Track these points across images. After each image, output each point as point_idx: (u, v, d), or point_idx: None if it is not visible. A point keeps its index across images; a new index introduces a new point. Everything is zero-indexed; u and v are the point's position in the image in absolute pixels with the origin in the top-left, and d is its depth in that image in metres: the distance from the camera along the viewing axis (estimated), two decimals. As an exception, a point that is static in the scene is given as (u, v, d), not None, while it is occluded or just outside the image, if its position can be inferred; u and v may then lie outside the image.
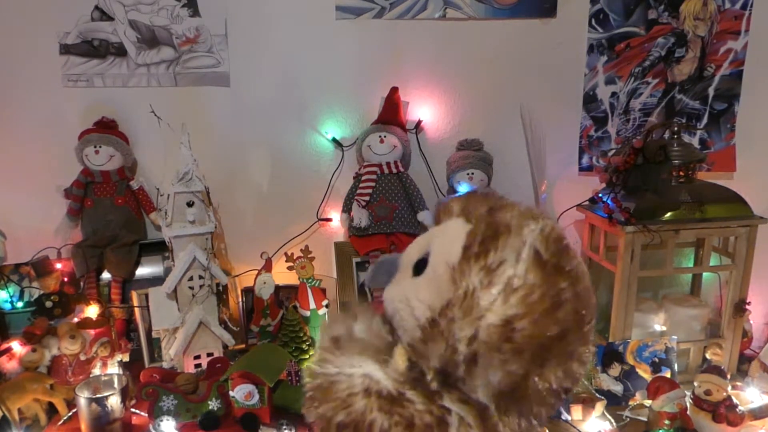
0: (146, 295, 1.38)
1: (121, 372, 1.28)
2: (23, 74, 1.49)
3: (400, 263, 0.70)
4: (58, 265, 1.47)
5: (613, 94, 1.59)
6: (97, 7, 1.48)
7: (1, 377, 1.25)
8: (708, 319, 1.44)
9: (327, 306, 1.46)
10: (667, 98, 1.60)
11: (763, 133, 1.62)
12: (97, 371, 1.28)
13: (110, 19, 1.48)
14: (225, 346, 1.37)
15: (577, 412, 1.20)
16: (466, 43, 1.55)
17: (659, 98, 1.60)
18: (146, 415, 1.19)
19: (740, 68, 1.58)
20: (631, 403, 1.27)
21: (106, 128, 1.50)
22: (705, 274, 1.56)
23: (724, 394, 1.14)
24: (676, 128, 1.40)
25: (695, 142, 1.61)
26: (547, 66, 1.57)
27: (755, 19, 1.54)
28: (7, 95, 1.50)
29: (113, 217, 1.50)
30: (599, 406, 1.21)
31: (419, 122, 1.58)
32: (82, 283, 1.46)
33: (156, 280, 1.46)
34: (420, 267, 0.65)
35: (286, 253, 1.49)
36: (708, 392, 1.14)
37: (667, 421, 1.11)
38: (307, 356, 1.37)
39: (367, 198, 1.49)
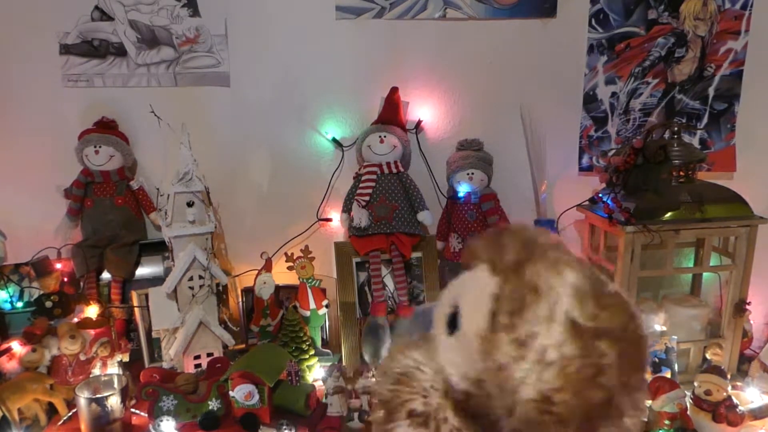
0: (146, 295, 1.38)
1: (121, 372, 1.28)
2: (23, 74, 1.50)
3: (435, 316, 0.66)
4: (58, 265, 1.47)
5: (613, 94, 1.59)
6: (97, 7, 1.48)
7: (1, 377, 1.25)
8: (708, 319, 1.44)
9: (327, 306, 1.46)
10: (667, 98, 1.60)
11: (763, 133, 1.62)
12: (97, 371, 1.28)
13: (110, 19, 1.49)
14: (225, 346, 1.37)
15: (577, 412, 1.19)
16: (466, 43, 1.55)
17: (659, 98, 1.60)
18: (146, 415, 1.19)
19: (740, 68, 1.57)
20: (631, 403, 1.27)
21: (106, 128, 1.50)
22: (705, 274, 1.56)
23: (724, 394, 1.14)
24: (676, 128, 1.40)
25: (695, 142, 1.61)
26: (547, 66, 1.57)
27: (755, 19, 1.54)
28: (7, 95, 1.50)
29: (113, 217, 1.50)
30: (599, 406, 1.20)
31: (419, 122, 1.58)
32: (82, 283, 1.46)
33: (156, 280, 1.46)
34: (452, 323, 0.61)
35: (286, 253, 1.49)
36: (708, 392, 1.14)
37: (667, 421, 1.11)
38: (307, 356, 1.37)
39: (367, 198, 1.49)
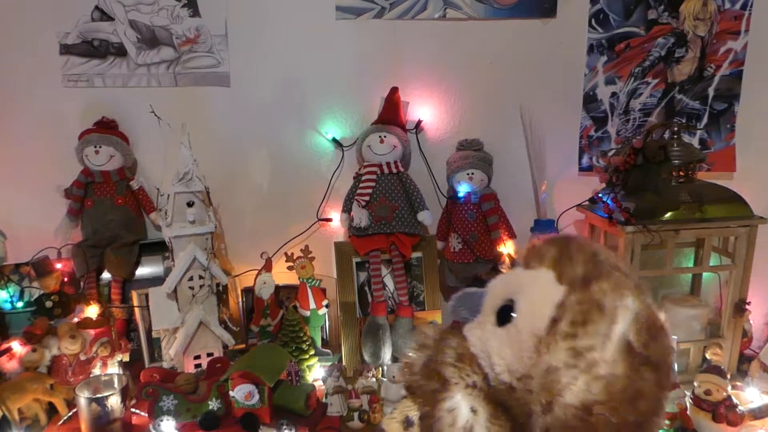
0: (146, 295, 1.38)
1: (121, 372, 1.28)
2: (23, 74, 1.50)
3: (484, 303, 0.69)
4: (58, 265, 1.47)
5: (613, 94, 1.59)
6: (97, 7, 1.48)
7: (1, 377, 1.25)
8: (708, 319, 1.44)
9: (327, 306, 1.46)
10: (667, 98, 1.60)
11: (763, 133, 1.62)
12: (97, 371, 1.28)
13: (110, 19, 1.49)
14: (225, 346, 1.37)
15: (577, 412, 1.20)
16: (466, 43, 1.55)
17: (659, 98, 1.60)
18: (146, 415, 1.19)
19: (740, 68, 1.57)
20: (631, 403, 1.27)
21: (106, 128, 1.50)
22: (705, 274, 1.56)
23: (724, 394, 1.14)
24: (676, 128, 1.40)
25: (695, 142, 1.61)
26: (547, 66, 1.57)
27: (755, 19, 1.54)
28: (7, 95, 1.50)
29: (113, 217, 1.50)
30: (599, 406, 1.20)
31: (419, 122, 1.58)
32: (82, 283, 1.46)
33: (156, 280, 1.46)
34: (504, 315, 0.64)
35: (286, 253, 1.49)
36: (708, 392, 1.14)
37: (667, 421, 1.11)
38: (307, 356, 1.37)
39: (367, 198, 1.49)
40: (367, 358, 1.42)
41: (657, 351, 0.59)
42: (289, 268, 1.48)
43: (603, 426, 0.55)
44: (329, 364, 1.36)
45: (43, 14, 1.47)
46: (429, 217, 1.50)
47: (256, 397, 1.18)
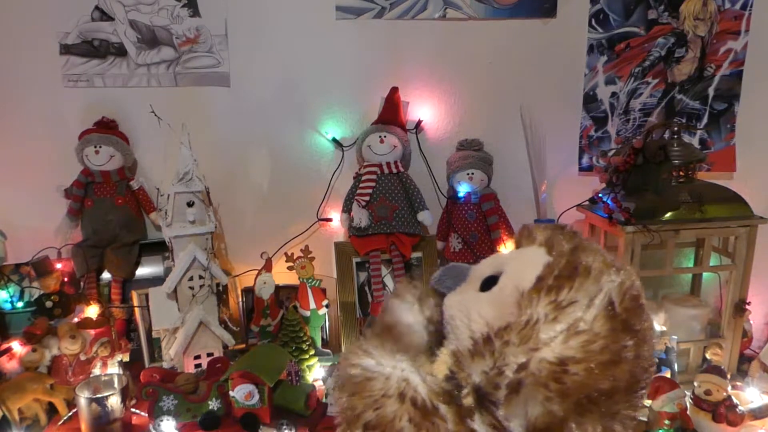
0: (146, 295, 1.38)
1: (121, 372, 1.28)
2: (23, 74, 1.49)
3: (470, 274, 0.71)
4: (58, 265, 1.47)
5: (613, 94, 1.59)
6: (97, 7, 1.48)
7: (1, 377, 1.25)
8: (708, 319, 1.44)
9: (327, 306, 1.46)
10: (667, 98, 1.60)
11: (763, 133, 1.62)
12: (97, 371, 1.28)
13: (110, 19, 1.48)
14: (225, 346, 1.37)
15: (577, 412, 1.20)
16: (466, 43, 1.55)
17: (659, 98, 1.60)
18: (146, 415, 1.19)
19: (740, 68, 1.57)
20: (631, 403, 1.27)
21: (106, 128, 1.50)
22: (705, 274, 1.56)
23: (724, 394, 1.14)
24: (676, 128, 1.40)
25: (695, 142, 1.61)
26: (547, 66, 1.57)
27: (755, 19, 1.54)
28: (7, 95, 1.50)
29: (113, 217, 1.50)
30: (599, 406, 1.20)
31: (419, 122, 1.58)
32: (82, 283, 1.46)
33: (156, 280, 1.46)
34: (488, 284, 0.66)
35: (286, 253, 1.49)
36: (708, 392, 1.14)
37: (667, 421, 1.11)
38: (307, 356, 1.37)
39: (367, 198, 1.49)
40: (367, 358, 1.42)
41: (639, 321, 0.59)
42: (289, 268, 1.48)
43: (576, 388, 0.54)
44: (329, 364, 1.36)
45: (43, 14, 1.46)
46: (429, 217, 1.50)
47: (256, 397, 1.18)
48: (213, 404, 1.20)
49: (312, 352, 1.39)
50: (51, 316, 1.36)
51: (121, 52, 1.51)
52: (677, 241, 1.34)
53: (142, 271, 1.51)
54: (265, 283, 1.44)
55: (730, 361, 1.40)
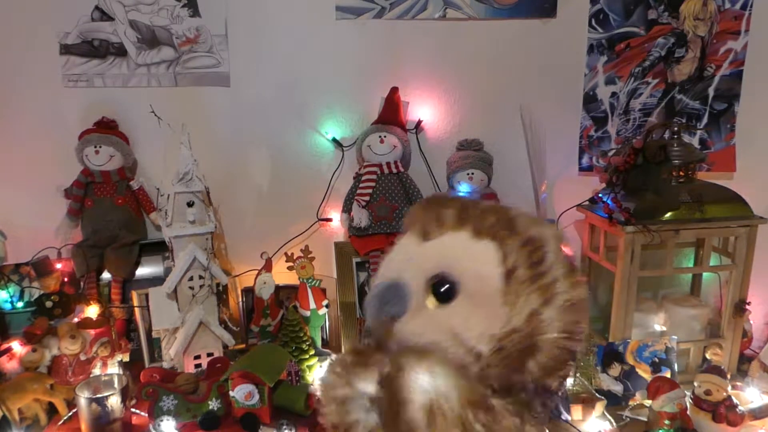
0: (146, 295, 1.38)
1: (121, 372, 1.28)
2: (23, 74, 1.49)
3: (408, 290, 0.63)
4: (58, 265, 1.47)
5: (613, 94, 1.59)
6: (97, 7, 1.48)
7: (1, 377, 1.25)
8: (708, 319, 1.44)
9: (327, 306, 1.46)
10: (667, 98, 1.60)
11: (763, 133, 1.62)
12: (97, 371, 1.28)
13: (110, 19, 1.48)
14: (225, 346, 1.37)
15: (577, 412, 1.20)
16: (466, 43, 1.55)
17: (659, 98, 1.60)
18: (146, 415, 1.19)
19: (740, 68, 1.57)
20: (631, 403, 1.27)
21: (106, 128, 1.50)
22: (705, 274, 1.56)
23: (724, 394, 1.14)
24: (676, 128, 1.40)
25: (695, 142, 1.61)
26: (547, 66, 1.57)
27: (755, 19, 1.54)
28: (7, 95, 1.50)
29: (113, 217, 1.50)
30: (599, 406, 1.21)
31: (419, 122, 1.58)
32: (82, 283, 1.46)
33: (156, 280, 1.45)
34: (445, 293, 0.61)
35: (286, 253, 1.49)
36: (708, 392, 1.14)
37: (667, 421, 1.11)
38: (307, 356, 1.37)
39: (367, 198, 1.49)
40: (367, 358, 1.42)
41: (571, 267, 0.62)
42: (289, 268, 1.48)
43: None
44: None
45: (43, 14, 1.46)
46: (429, 217, 1.50)
47: (256, 397, 1.18)
48: (213, 404, 1.20)
49: (312, 352, 1.39)
50: (51, 316, 1.36)
51: (121, 52, 1.50)
52: (677, 241, 1.34)
53: (142, 271, 1.51)
54: (265, 283, 1.44)
55: (730, 361, 1.40)
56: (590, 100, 1.59)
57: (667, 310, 1.44)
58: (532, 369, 0.60)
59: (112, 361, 1.30)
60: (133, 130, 1.54)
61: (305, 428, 1.17)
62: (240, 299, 1.51)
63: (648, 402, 1.19)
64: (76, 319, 1.32)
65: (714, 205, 1.34)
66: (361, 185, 1.50)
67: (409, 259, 0.64)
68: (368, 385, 0.62)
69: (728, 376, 1.19)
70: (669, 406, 1.12)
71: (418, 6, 1.51)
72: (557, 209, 1.60)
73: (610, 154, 1.53)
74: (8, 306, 1.43)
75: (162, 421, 1.16)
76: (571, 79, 1.58)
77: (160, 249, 1.50)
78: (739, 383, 1.28)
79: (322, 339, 1.49)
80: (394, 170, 1.50)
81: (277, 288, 1.46)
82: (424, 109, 1.58)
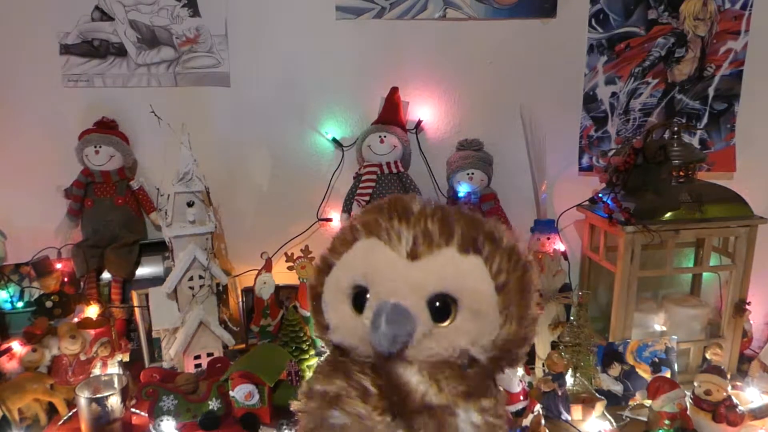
0: (146, 295, 1.38)
1: (121, 372, 1.28)
2: (23, 74, 1.49)
3: (414, 316, 0.62)
4: (58, 265, 1.47)
5: (613, 94, 1.59)
6: (97, 7, 1.48)
7: (1, 377, 1.25)
8: (708, 319, 1.44)
9: (327, 306, 1.46)
10: (667, 98, 1.60)
11: (763, 133, 1.62)
12: (97, 371, 1.28)
13: (110, 19, 1.48)
14: (225, 346, 1.37)
15: (577, 412, 1.20)
16: (466, 43, 1.55)
17: (659, 98, 1.60)
18: (146, 415, 1.19)
19: (740, 68, 1.57)
20: (631, 403, 1.27)
21: (106, 128, 1.50)
22: (705, 274, 1.56)
23: (724, 394, 1.14)
24: (676, 128, 1.40)
25: (695, 142, 1.61)
26: (547, 66, 1.57)
27: (755, 19, 1.54)
28: (7, 95, 1.50)
29: (113, 217, 1.50)
30: (599, 406, 1.21)
31: (419, 122, 1.58)
32: (82, 283, 1.46)
33: (156, 280, 1.45)
34: (444, 312, 0.63)
35: (286, 253, 1.49)
36: (708, 392, 1.14)
37: (667, 421, 1.11)
38: (307, 356, 1.37)
39: (367, 198, 1.49)
40: (367, 358, 1.42)
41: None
42: (289, 268, 1.48)
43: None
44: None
45: (43, 14, 1.46)
46: (429, 217, 1.50)
47: (256, 397, 1.18)
48: (213, 404, 1.20)
49: (312, 352, 1.39)
50: (51, 316, 1.36)
51: (121, 52, 1.50)
52: (677, 241, 1.34)
53: (142, 271, 1.51)
54: (265, 283, 1.44)
55: (730, 361, 1.41)
56: (590, 100, 1.59)
57: (667, 310, 1.44)
58: (520, 357, 0.68)
59: (112, 361, 1.30)
60: (133, 130, 1.54)
61: (305, 428, 1.17)
62: (240, 299, 1.51)
63: (648, 402, 1.19)
64: (76, 319, 1.32)
65: (714, 205, 1.34)
66: (361, 185, 1.50)
67: (403, 279, 0.63)
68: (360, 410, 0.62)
69: (728, 376, 1.19)
70: (669, 406, 1.12)
71: (418, 6, 1.51)
72: (557, 209, 1.60)
73: (610, 154, 1.53)
74: (8, 306, 1.43)
75: (162, 421, 1.16)
76: (571, 79, 1.58)
77: (160, 249, 1.50)
78: (739, 383, 1.28)
79: (322, 339, 1.49)
80: (394, 170, 1.50)
81: (277, 288, 1.46)
82: (424, 109, 1.58)
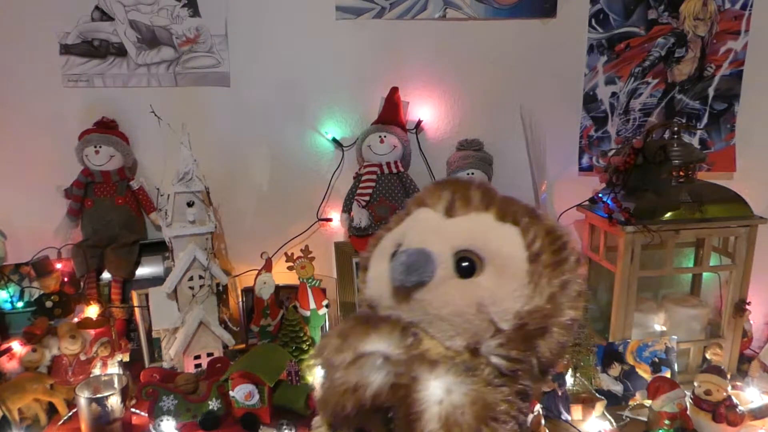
0: (146, 295, 1.38)
1: (121, 372, 1.28)
2: (23, 74, 1.49)
3: (436, 259, 0.64)
4: (58, 265, 1.47)
5: (613, 94, 1.59)
6: (97, 7, 1.48)
7: (1, 377, 1.25)
8: (708, 319, 1.44)
9: (327, 306, 1.46)
10: (667, 98, 1.60)
11: (763, 133, 1.62)
12: (97, 371, 1.28)
13: (110, 19, 1.48)
14: (225, 346, 1.37)
15: (577, 412, 1.20)
16: (466, 43, 1.55)
17: (659, 98, 1.60)
18: (146, 415, 1.19)
19: (740, 68, 1.58)
20: (631, 403, 1.27)
21: (106, 128, 1.50)
22: (705, 274, 1.56)
23: (724, 394, 1.14)
24: (676, 128, 1.40)
25: (695, 142, 1.61)
26: (547, 66, 1.57)
27: (755, 19, 1.54)
28: (7, 95, 1.50)
29: (113, 217, 1.50)
30: (599, 406, 1.21)
31: (419, 122, 1.58)
32: (82, 283, 1.46)
33: (156, 280, 1.45)
34: (470, 268, 0.64)
35: (286, 253, 1.49)
36: (708, 392, 1.14)
37: (667, 421, 1.11)
38: (307, 356, 1.37)
39: (367, 198, 1.49)
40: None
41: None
42: (289, 268, 1.48)
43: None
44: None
45: (43, 14, 1.46)
46: (429, 217, 1.50)
47: (256, 397, 1.18)
48: (213, 404, 1.20)
49: (312, 351, 1.39)
50: (51, 316, 1.36)
51: (121, 52, 1.51)
52: (677, 241, 1.34)
53: (142, 271, 1.51)
54: (265, 283, 1.44)
55: (730, 361, 1.40)
56: (590, 100, 1.59)
57: (667, 310, 1.44)
58: (543, 350, 0.63)
59: (112, 361, 1.30)
60: (133, 130, 1.55)
61: (305, 428, 1.17)
62: (240, 299, 1.51)
63: (648, 402, 1.19)
64: (76, 319, 1.32)
65: (714, 205, 1.34)
66: (361, 185, 1.50)
67: (434, 231, 0.66)
68: (379, 345, 0.63)
69: (728, 376, 1.19)
70: (669, 406, 1.12)
71: (418, 6, 1.51)
72: (557, 209, 1.60)
73: (610, 154, 1.53)
74: (8, 306, 1.43)
75: (162, 421, 1.16)
76: (571, 79, 1.58)
77: (160, 249, 1.50)
78: (739, 383, 1.28)
79: (322, 339, 1.49)
80: (394, 170, 1.50)
81: (277, 288, 1.46)
82: (424, 109, 1.58)
